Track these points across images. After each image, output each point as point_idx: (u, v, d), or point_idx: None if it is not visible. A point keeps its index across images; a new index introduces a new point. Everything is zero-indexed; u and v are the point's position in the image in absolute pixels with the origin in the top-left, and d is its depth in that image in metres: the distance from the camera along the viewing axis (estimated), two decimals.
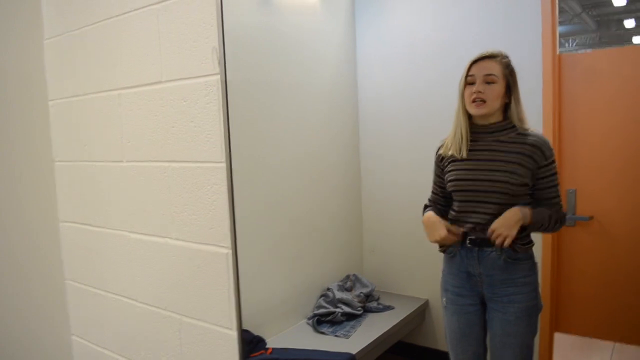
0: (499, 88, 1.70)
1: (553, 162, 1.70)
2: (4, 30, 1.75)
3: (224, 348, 1.40)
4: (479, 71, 1.70)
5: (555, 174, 1.71)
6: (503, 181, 1.67)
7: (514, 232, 1.64)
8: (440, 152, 1.84)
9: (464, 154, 1.75)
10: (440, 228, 1.76)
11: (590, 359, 2.64)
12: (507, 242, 1.64)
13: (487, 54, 1.71)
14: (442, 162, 1.85)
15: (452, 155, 1.79)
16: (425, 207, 1.93)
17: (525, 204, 1.70)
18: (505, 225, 1.65)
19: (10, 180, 1.78)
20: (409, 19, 2.86)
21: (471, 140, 1.77)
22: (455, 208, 1.81)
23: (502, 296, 1.74)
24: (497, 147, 1.72)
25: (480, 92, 1.68)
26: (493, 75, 1.68)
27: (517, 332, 1.73)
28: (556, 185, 1.72)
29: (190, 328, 1.49)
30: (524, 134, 1.71)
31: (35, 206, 1.86)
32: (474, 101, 1.70)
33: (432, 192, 1.93)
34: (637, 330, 2.30)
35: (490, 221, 1.70)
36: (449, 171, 1.80)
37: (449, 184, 1.79)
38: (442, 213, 1.87)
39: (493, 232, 1.66)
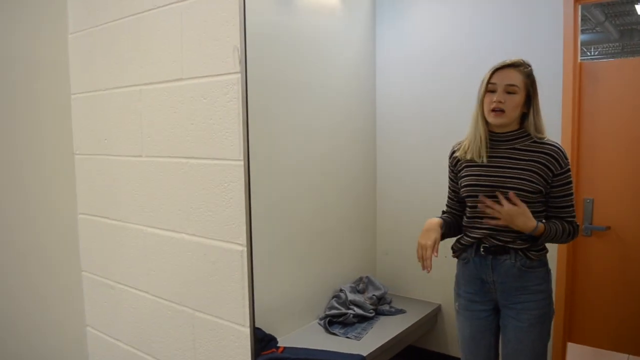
0: (519, 98, 1.69)
1: (568, 170, 1.69)
2: (29, 24, 1.78)
3: (237, 344, 1.41)
4: (500, 80, 1.68)
5: (569, 182, 1.69)
6: (517, 188, 1.66)
7: (508, 225, 1.65)
8: (457, 154, 1.83)
9: (484, 160, 1.74)
10: (432, 235, 1.75)
11: None
12: (494, 222, 1.66)
13: (509, 63, 1.69)
14: (455, 167, 1.84)
15: (468, 160, 1.79)
16: (443, 213, 1.93)
17: (538, 212, 1.69)
18: (513, 217, 1.64)
19: (31, 171, 1.81)
20: (429, 23, 2.86)
21: (488, 149, 1.77)
22: (467, 213, 1.80)
23: (516, 303, 1.73)
24: (512, 155, 1.71)
25: (500, 102, 1.67)
26: (515, 86, 1.67)
27: (530, 339, 1.72)
28: (570, 195, 1.71)
29: (203, 323, 1.51)
30: (540, 142, 1.70)
31: (55, 198, 1.89)
32: (493, 110, 1.69)
33: (448, 197, 1.93)
34: None
35: (502, 228, 1.69)
36: (463, 176, 1.79)
37: (463, 189, 1.78)
38: (457, 219, 1.87)
39: (499, 211, 1.65)
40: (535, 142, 1.70)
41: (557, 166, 1.67)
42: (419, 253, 1.75)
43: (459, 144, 1.84)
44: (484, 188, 1.72)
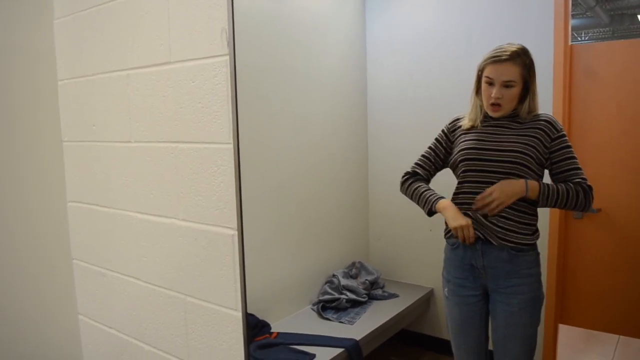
0: (516, 91, 1.70)
1: (565, 135, 1.71)
2: (14, 10, 1.75)
3: (229, 328, 1.41)
4: (497, 76, 1.68)
5: (569, 146, 1.70)
6: (515, 150, 1.68)
7: (509, 201, 1.64)
8: (460, 123, 1.84)
9: (479, 125, 1.78)
10: (463, 217, 1.74)
11: (594, 351, 2.64)
12: (495, 210, 1.65)
13: (506, 57, 1.67)
14: (453, 133, 1.86)
15: (466, 129, 1.81)
16: (407, 177, 1.95)
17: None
18: (505, 190, 1.64)
19: (19, 159, 1.79)
20: (419, 7, 2.84)
21: (485, 120, 1.79)
22: (461, 180, 1.80)
23: (506, 287, 1.73)
24: (510, 125, 1.74)
25: (498, 97, 1.69)
26: (512, 81, 1.68)
27: (521, 323, 1.73)
28: (574, 157, 1.70)
29: (195, 308, 1.50)
30: (535, 114, 1.74)
31: (43, 186, 1.87)
32: (492, 104, 1.71)
33: (424, 157, 1.93)
34: None
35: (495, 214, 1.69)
36: (460, 142, 1.80)
37: (459, 153, 1.78)
38: (427, 178, 1.93)
39: (490, 194, 1.65)
40: (529, 115, 1.74)
41: (553, 130, 1.70)
42: (461, 234, 1.73)
43: (462, 115, 1.86)
44: (481, 151, 1.73)
